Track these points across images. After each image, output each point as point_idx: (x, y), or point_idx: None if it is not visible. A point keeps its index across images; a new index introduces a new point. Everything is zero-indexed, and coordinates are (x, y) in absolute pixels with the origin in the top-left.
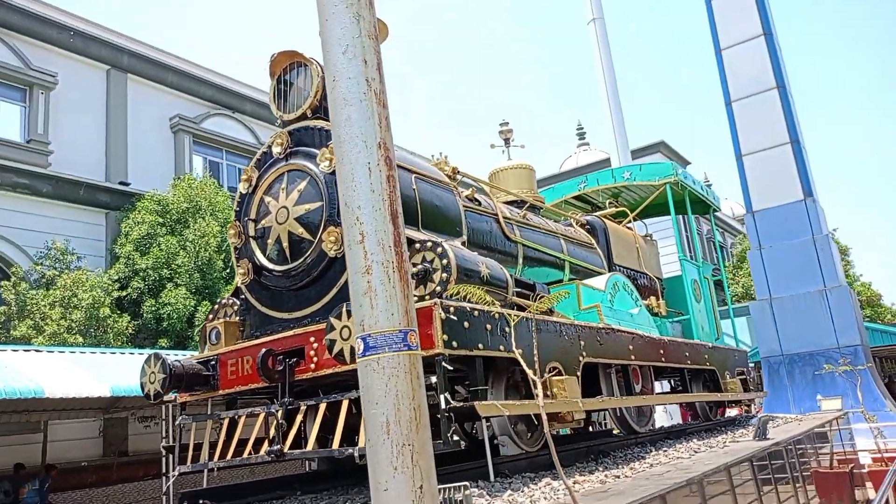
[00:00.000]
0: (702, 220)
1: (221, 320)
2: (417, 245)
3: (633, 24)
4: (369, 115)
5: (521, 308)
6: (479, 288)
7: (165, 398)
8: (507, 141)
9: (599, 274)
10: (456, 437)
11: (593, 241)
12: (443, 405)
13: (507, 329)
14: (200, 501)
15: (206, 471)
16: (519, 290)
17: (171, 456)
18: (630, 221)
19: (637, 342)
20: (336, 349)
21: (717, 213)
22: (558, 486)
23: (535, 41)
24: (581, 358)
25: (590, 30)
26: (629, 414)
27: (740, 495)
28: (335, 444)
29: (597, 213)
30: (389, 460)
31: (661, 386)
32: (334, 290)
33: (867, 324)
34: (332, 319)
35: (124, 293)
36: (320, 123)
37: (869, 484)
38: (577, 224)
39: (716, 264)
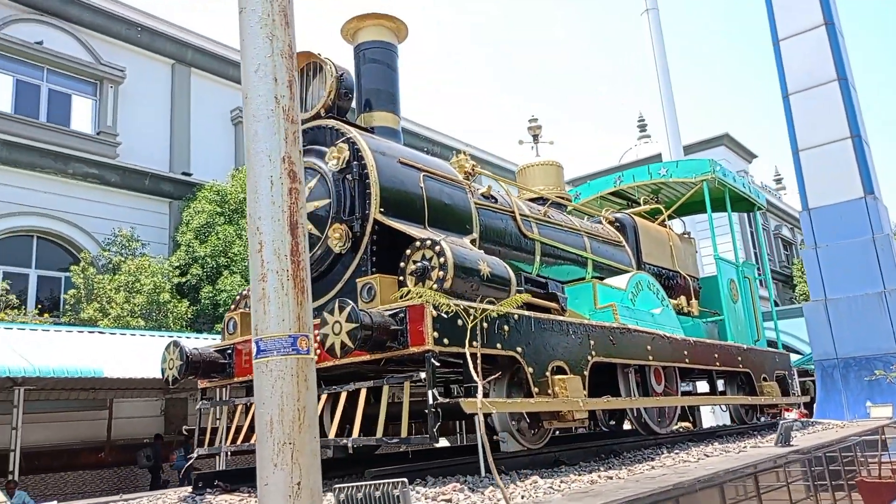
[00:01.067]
0: (769, 216)
1: (239, 311)
2: (417, 243)
3: (697, 14)
4: (275, 130)
5: (535, 307)
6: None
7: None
8: (535, 137)
9: (625, 272)
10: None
11: (622, 239)
12: (430, 401)
13: (506, 327)
14: (216, 482)
15: (221, 454)
16: (528, 288)
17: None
18: (665, 219)
19: (657, 343)
20: (328, 343)
21: (785, 211)
22: (543, 483)
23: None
24: (590, 357)
25: (643, 20)
26: (648, 414)
27: (738, 502)
28: (331, 434)
29: (630, 211)
30: (271, 457)
31: (691, 387)
32: (340, 285)
33: None
34: (325, 314)
35: (184, 279)
36: (332, 123)
37: None
38: (606, 221)
39: (783, 262)
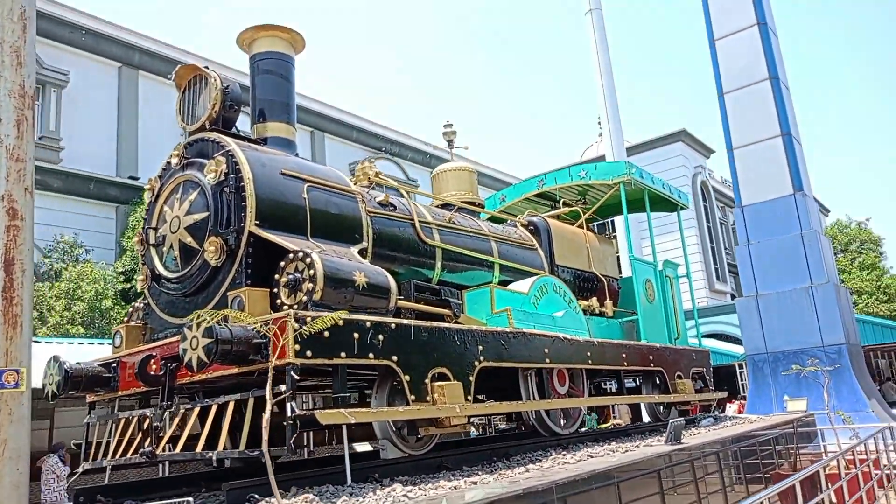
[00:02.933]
0: (727, 211)
1: (124, 324)
2: (290, 255)
3: (653, 10)
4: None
5: (426, 314)
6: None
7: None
8: (450, 143)
9: (536, 275)
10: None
11: (535, 242)
12: (288, 413)
13: (380, 336)
14: (97, 497)
15: (108, 468)
16: (420, 295)
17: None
18: (583, 221)
19: (557, 345)
20: (186, 358)
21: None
22: (401, 490)
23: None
24: (477, 363)
25: (587, 20)
26: (548, 416)
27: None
28: (199, 448)
29: (548, 214)
30: None
31: (615, 387)
32: (217, 298)
33: (866, 318)
34: (185, 330)
35: (129, 285)
36: (214, 135)
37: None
38: (521, 225)
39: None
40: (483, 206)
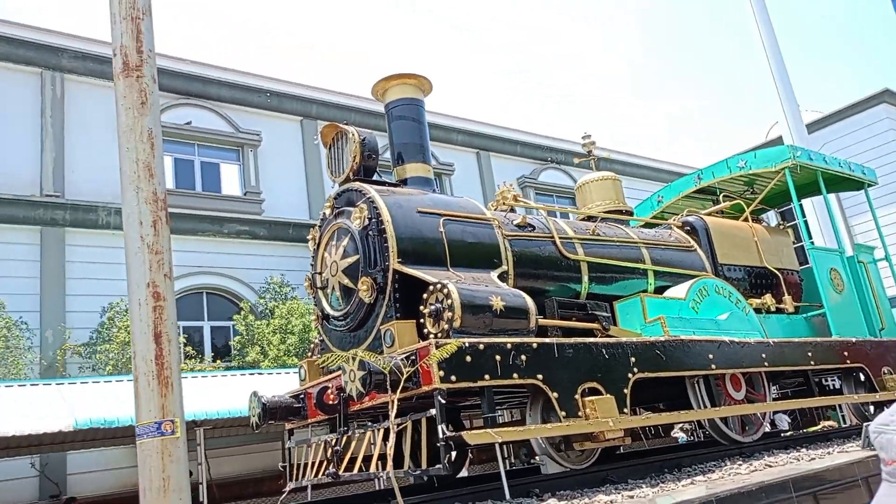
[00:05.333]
0: None
1: (306, 359)
2: (431, 287)
3: None
4: (142, 262)
5: (574, 330)
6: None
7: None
8: (589, 153)
9: (697, 277)
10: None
11: (692, 243)
12: (440, 435)
13: (523, 357)
14: None
15: (309, 487)
16: (565, 312)
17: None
18: (747, 215)
19: (724, 350)
20: (348, 390)
21: None
22: None
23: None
24: (630, 375)
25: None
26: (725, 424)
27: None
28: (371, 468)
29: (707, 210)
30: None
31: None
32: (374, 333)
33: None
34: (343, 364)
35: None
36: (357, 185)
37: None
38: (676, 227)
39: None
40: (632, 213)
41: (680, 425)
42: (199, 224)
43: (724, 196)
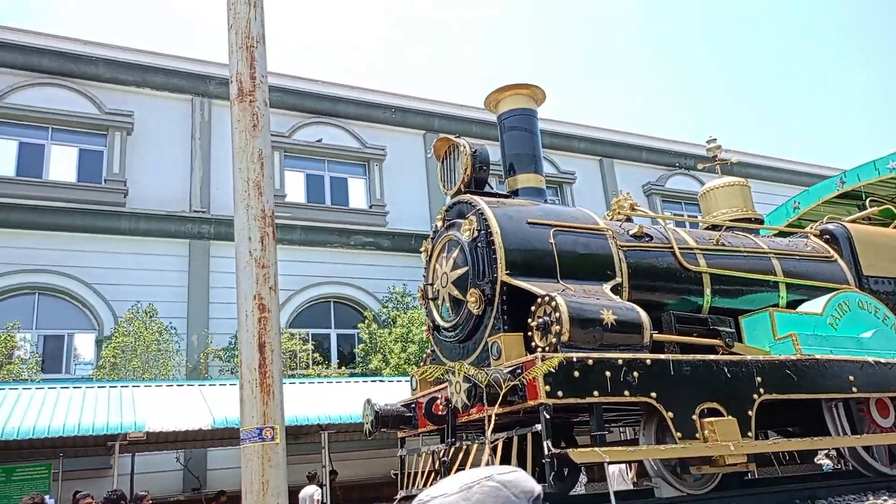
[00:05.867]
0: None
1: (419, 370)
2: (539, 300)
3: None
4: (249, 276)
5: (693, 346)
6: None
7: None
8: (714, 157)
9: (837, 290)
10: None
11: (832, 253)
12: (545, 451)
13: (635, 373)
14: None
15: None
16: (684, 327)
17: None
18: None
19: (867, 371)
20: (454, 402)
21: None
22: None
23: None
24: (756, 396)
25: None
26: (868, 453)
27: None
28: None
29: (850, 218)
30: None
31: None
32: (482, 346)
33: None
34: (449, 376)
35: None
36: (467, 197)
37: None
38: (813, 235)
39: None
40: (762, 221)
41: (825, 451)
42: (329, 236)
43: (870, 201)
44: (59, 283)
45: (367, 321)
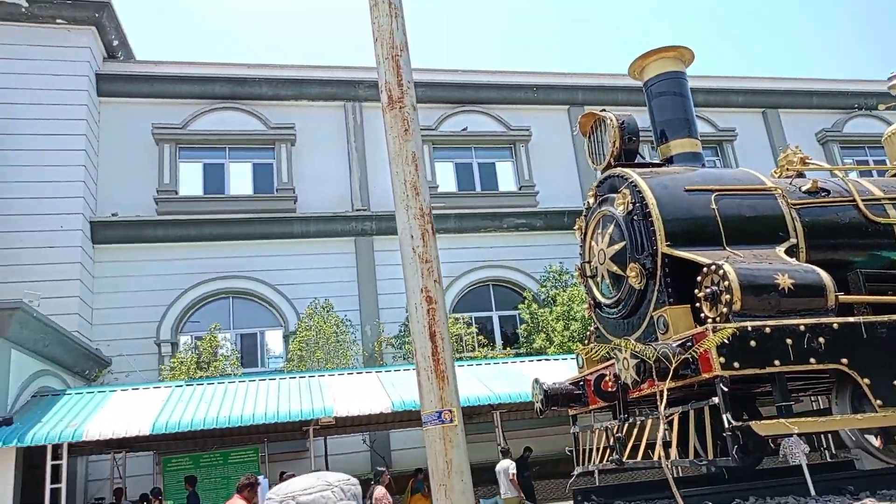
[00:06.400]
0: None
1: (584, 347)
2: (704, 269)
3: None
4: (415, 271)
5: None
6: None
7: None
8: None
9: None
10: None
11: None
12: (725, 424)
13: (820, 339)
14: (591, 496)
15: (596, 472)
16: (875, 285)
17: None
18: None
19: None
20: (623, 378)
21: None
22: None
23: None
24: None
25: None
26: None
27: None
28: (655, 455)
29: None
30: (436, 496)
31: None
32: (647, 320)
33: None
34: (615, 353)
35: None
36: (618, 170)
37: None
38: None
39: None
40: None
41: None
42: (481, 221)
43: None
44: (247, 286)
45: (526, 301)
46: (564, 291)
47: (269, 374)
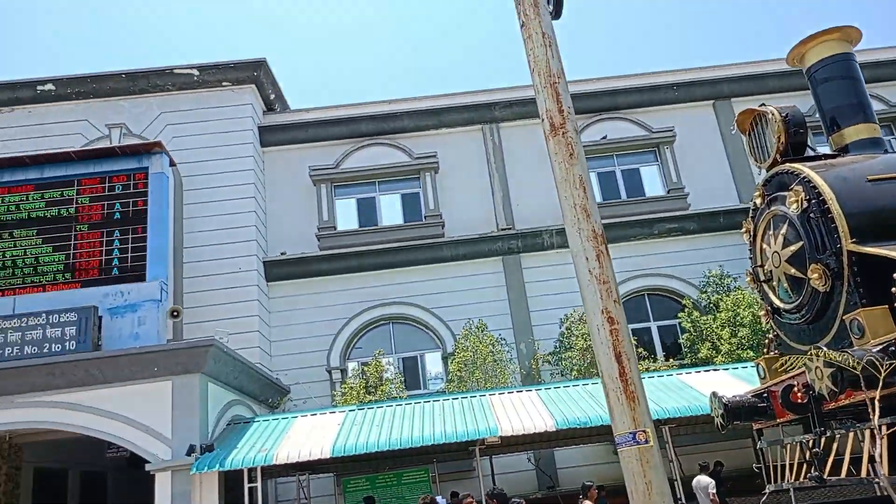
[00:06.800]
0: None
1: (763, 357)
2: None
3: None
4: (593, 293)
5: None
6: None
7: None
8: None
9: None
10: None
11: None
12: None
13: None
14: None
15: (791, 490)
16: None
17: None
18: None
19: None
20: (817, 389)
21: None
22: None
23: None
24: None
25: None
26: None
27: None
28: (862, 472)
29: None
30: None
31: None
32: (836, 325)
33: None
34: (806, 362)
35: None
36: (787, 166)
37: None
38: None
39: None
40: None
41: None
42: (630, 230)
43: None
44: (405, 311)
45: (687, 309)
46: (728, 296)
47: (433, 396)
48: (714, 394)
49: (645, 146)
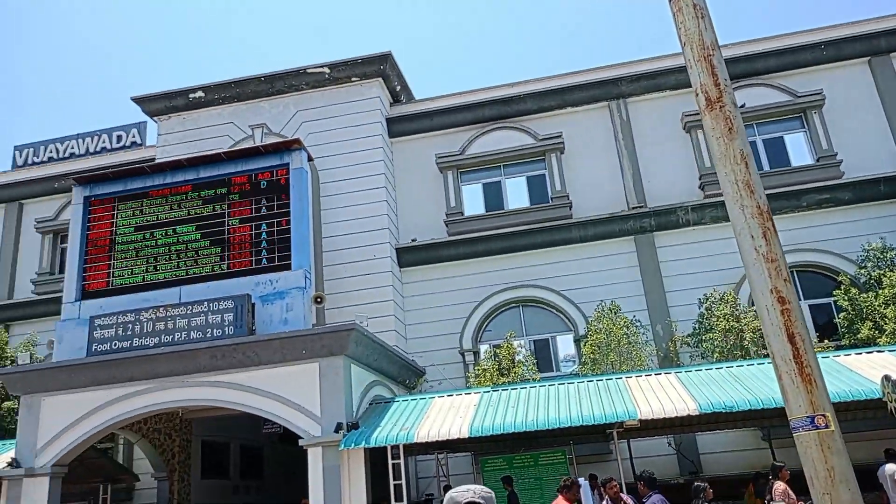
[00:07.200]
0: None
1: None
2: None
3: None
4: (761, 271)
5: None
6: None
7: None
8: None
9: None
10: None
11: None
12: None
13: None
14: None
15: None
16: None
17: None
18: None
19: None
20: None
21: None
22: None
23: None
24: None
25: None
26: None
27: None
28: None
29: None
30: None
31: None
32: None
33: None
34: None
35: None
36: None
37: None
38: None
39: None
40: None
41: None
42: (775, 203)
43: None
44: (534, 294)
45: (843, 286)
46: (892, 271)
47: (567, 379)
48: (886, 377)
49: (789, 112)
